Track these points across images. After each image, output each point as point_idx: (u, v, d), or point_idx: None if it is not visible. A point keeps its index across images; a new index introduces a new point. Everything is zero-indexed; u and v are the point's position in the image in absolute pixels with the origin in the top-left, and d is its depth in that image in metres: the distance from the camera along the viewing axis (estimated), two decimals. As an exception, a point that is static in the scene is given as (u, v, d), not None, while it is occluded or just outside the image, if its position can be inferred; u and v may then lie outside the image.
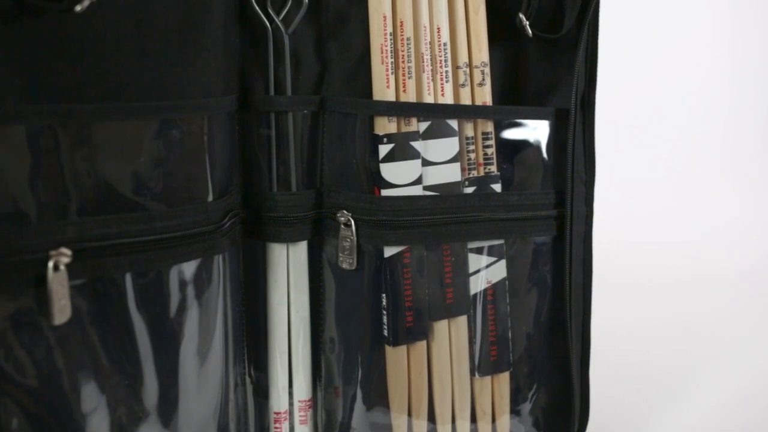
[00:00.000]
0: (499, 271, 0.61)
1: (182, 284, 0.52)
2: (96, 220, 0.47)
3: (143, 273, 0.50)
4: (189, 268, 0.52)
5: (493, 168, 0.60)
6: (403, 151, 0.56)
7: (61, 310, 0.46)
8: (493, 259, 0.60)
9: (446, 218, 0.58)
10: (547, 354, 0.64)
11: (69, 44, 0.46)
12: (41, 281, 0.45)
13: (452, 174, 0.58)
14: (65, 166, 0.46)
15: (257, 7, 0.55)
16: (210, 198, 0.53)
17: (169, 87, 0.50)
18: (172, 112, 0.50)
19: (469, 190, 0.59)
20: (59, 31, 0.45)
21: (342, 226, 0.57)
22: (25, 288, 0.45)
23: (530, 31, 0.59)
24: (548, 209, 0.62)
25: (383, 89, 0.56)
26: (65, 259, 0.45)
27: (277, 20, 0.56)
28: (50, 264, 0.45)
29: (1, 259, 0.44)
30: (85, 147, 0.47)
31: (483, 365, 0.61)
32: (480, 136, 0.60)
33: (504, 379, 0.63)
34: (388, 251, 0.57)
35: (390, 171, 0.56)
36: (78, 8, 0.44)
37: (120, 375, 0.50)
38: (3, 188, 0.44)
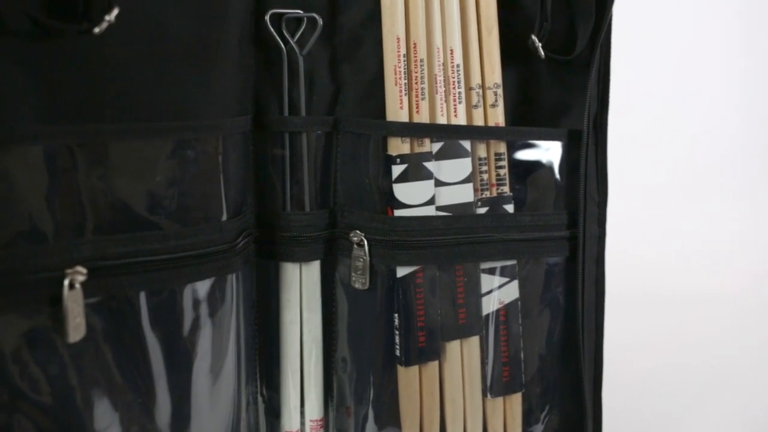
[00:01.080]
0: (511, 291, 0.61)
1: (196, 303, 0.52)
2: (111, 239, 0.48)
3: (157, 292, 0.50)
4: (203, 287, 0.52)
5: (506, 189, 0.60)
6: (416, 171, 0.57)
7: (76, 328, 0.46)
8: (506, 279, 0.60)
9: (459, 239, 0.58)
10: (560, 375, 0.64)
11: (87, 65, 0.46)
12: (56, 299, 0.45)
13: (465, 194, 0.59)
14: (81, 186, 0.47)
15: (272, 29, 0.56)
16: (224, 217, 0.53)
17: (185, 107, 0.51)
18: (187, 132, 0.51)
19: (482, 210, 0.59)
20: (77, 52, 0.46)
21: (355, 246, 0.57)
22: (40, 306, 0.45)
23: (543, 53, 0.59)
24: (561, 230, 0.62)
25: (396, 110, 0.56)
26: (80, 278, 0.46)
27: (291, 42, 0.57)
28: (66, 282, 0.45)
29: (18, 277, 0.44)
30: (101, 166, 0.47)
31: (495, 386, 0.61)
32: (493, 157, 0.60)
33: (516, 400, 0.63)
34: (401, 271, 0.57)
35: (403, 191, 0.57)
36: (96, 30, 0.45)
37: (133, 393, 0.50)
38: (20, 207, 0.44)
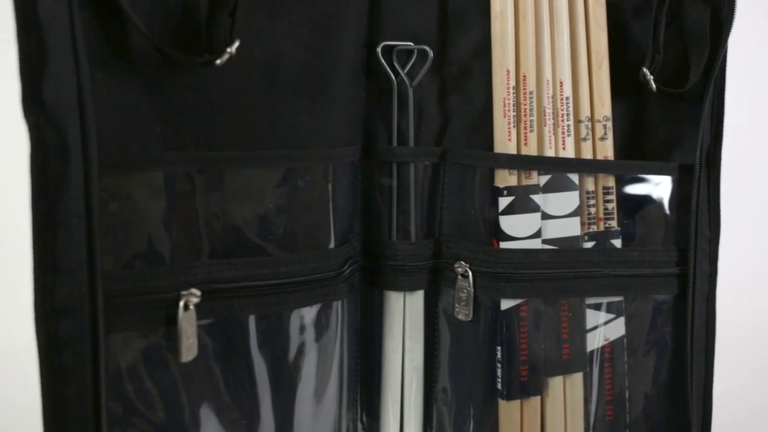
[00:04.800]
0: (617, 328, 0.60)
1: (302, 328, 0.53)
2: (224, 263, 0.49)
3: (266, 315, 0.51)
4: (309, 312, 0.53)
5: (614, 223, 0.59)
6: (522, 204, 0.56)
7: (189, 348, 0.47)
8: (612, 315, 0.59)
9: (565, 273, 0.57)
10: (666, 417, 0.62)
11: (207, 95, 0.48)
12: (172, 320, 0.47)
13: (572, 228, 0.58)
14: (199, 211, 0.48)
15: (383, 61, 0.57)
16: (332, 245, 0.54)
17: (297, 136, 0.52)
18: (298, 161, 0.52)
19: (589, 244, 0.59)
20: (199, 82, 0.48)
21: (459, 277, 0.57)
22: (156, 325, 0.47)
23: (654, 86, 0.58)
24: (670, 267, 0.60)
25: (505, 142, 0.56)
26: (195, 300, 0.47)
27: (402, 73, 0.57)
28: (181, 303, 0.47)
29: (136, 297, 0.46)
30: (217, 193, 0.49)
31: (598, 425, 0.60)
32: (601, 191, 0.59)
33: (620, 440, 0.61)
34: (505, 304, 0.57)
35: (509, 223, 0.56)
36: (218, 61, 0.47)
37: (239, 413, 0.51)
38: (140, 230, 0.46)
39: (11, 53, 0.40)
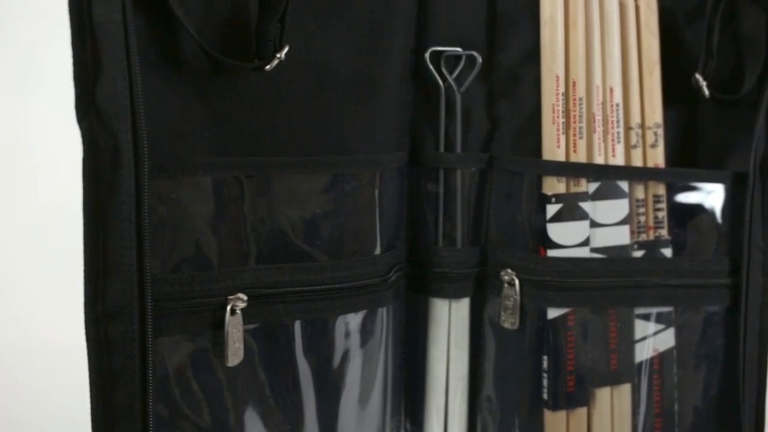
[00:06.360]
0: (666, 339, 0.58)
1: (347, 334, 0.53)
2: (271, 268, 0.49)
3: (312, 321, 0.51)
4: (355, 319, 0.53)
5: (664, 232, 0.58)
6: (571, 211, 0.56)
7: (235, 352, 0.48)
8: (661, 326, 0.58)
9: (613, 282, 0.56)
10: (717, 431, 0.61)
11: (256, 100, 0.49)
12: (218, 324, 0.47)
13: (621, 237, 0.57)
14: (246, 216, 0.48)
15: (431, 67, 0.56)
16: (378, 251, 0.54)
17: (344, 142, 0.52)
18: (345, 167, 0.52)
19: (638, 253, 0.58)
20: (248, 87, 0.48)
21: (506, 285, 0.57)
22: (203, 330, 0.47)
23: (707, 92, 0.57)
24: (722, 277, 0.59)
25: (553, 149, 0.56)
26: (241, 304, 0.47)
27: (450, 79, 0.57)
28: (228, 308, 0.47)
29: (183, 301, 0.46)
30: (265, 198, 0.49)
31: (646, 438, 0.59)
32: (651, 199, 0.58)
33: (668, 454, 0.60)
34: (552, 313, 0.56)
35: (557, 231, 0.56)
36: (268, 67, 0.47)
37: (283, 418, 0.51)
38: (189, 234, 0.47)
39: (66, 60, 0.41)
